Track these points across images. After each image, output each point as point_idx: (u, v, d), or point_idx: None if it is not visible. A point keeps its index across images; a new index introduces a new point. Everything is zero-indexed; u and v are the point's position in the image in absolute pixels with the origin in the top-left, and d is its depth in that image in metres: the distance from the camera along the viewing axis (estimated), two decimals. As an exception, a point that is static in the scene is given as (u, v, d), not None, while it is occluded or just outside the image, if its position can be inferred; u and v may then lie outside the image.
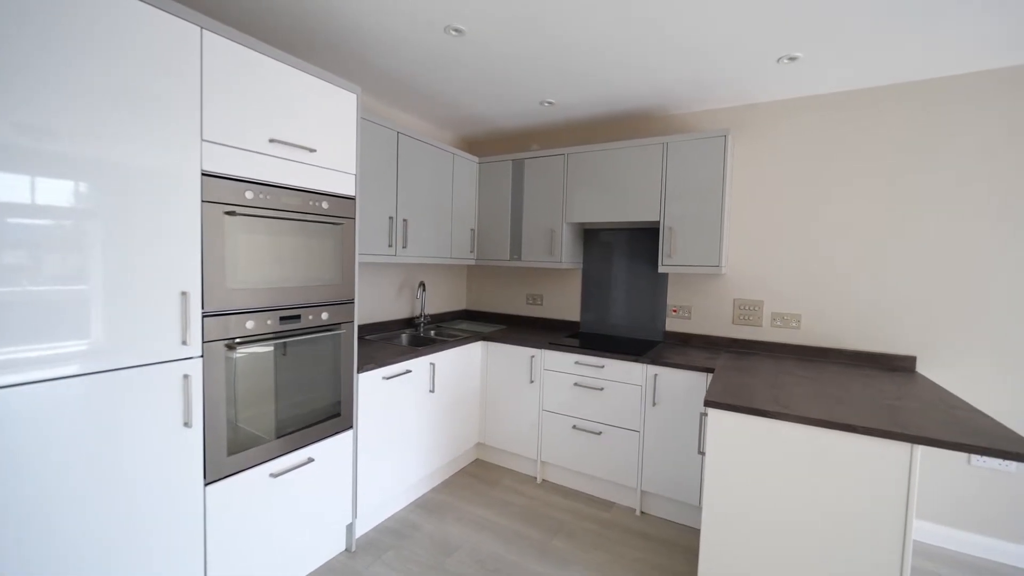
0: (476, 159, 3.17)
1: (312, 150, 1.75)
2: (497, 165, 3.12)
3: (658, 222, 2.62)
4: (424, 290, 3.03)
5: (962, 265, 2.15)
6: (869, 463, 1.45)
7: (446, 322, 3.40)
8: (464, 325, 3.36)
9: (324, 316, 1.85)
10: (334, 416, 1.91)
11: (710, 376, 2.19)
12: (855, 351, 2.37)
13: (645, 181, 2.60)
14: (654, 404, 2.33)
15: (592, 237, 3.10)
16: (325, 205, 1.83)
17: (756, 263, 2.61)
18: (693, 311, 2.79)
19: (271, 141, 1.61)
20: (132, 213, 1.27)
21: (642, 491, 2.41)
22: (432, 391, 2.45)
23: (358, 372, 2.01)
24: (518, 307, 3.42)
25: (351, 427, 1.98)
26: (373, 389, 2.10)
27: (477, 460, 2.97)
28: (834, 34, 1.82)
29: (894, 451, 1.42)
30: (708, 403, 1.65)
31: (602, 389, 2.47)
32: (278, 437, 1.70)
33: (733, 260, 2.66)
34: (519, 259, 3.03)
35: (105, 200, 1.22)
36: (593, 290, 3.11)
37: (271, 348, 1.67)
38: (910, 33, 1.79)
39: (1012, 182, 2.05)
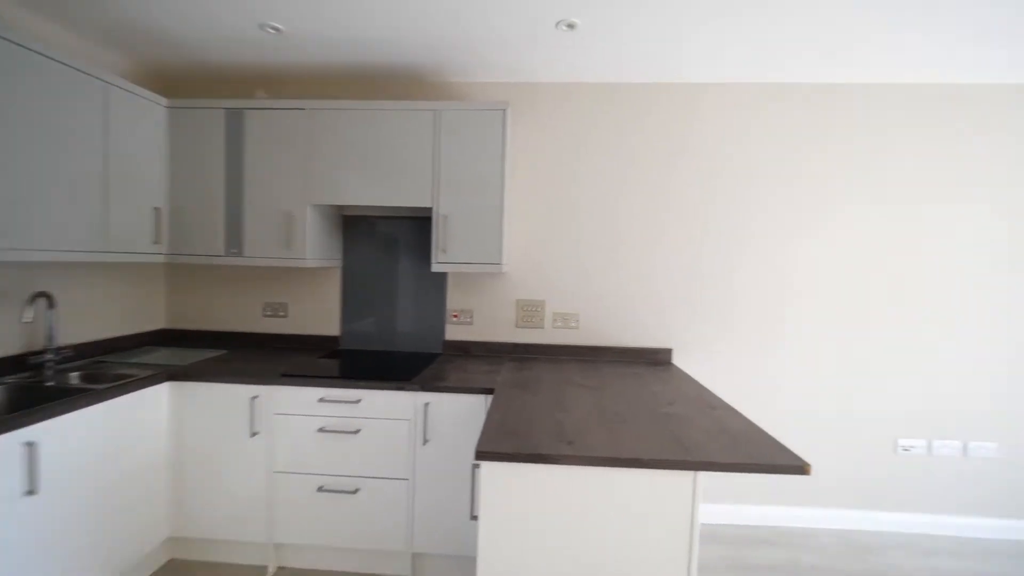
0: (164, 101, 2.08)
1: None
2: (202, 114, 2.10)
3: (431, 209, 2.11)
4: (52, 306, 1.80)
5: (706, 262, 2.31)
6: (656, 495, 1.22)
7: (117, 353, 2.17)
8: (157, 355, 2.21)
9: None
10: None
11: (490, 398, 1.80)
12: (626, 348, 2.35)
13: (415, 157, 2.06)
14: (425, 442, 1.82)
15: (354, 226, 2.41)
16: None
17: (539, 260, 2.37)
18: (475, 315, 2.40)
19: None
20: None
21: (414, 554, 1.87)
22: (32, 492, 1.35)
23: None
24: (252, 322, 2.46)
25: None
26: None
27: (171, 562, 1.93)
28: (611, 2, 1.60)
29: (679, 480, 1.22)
30: (481, 455, 1.19)
31: (358, 431, 1.83)
32: None
33: (517, 257, 2.37)
34: (240, 254, 2.11)
35: None
36: (358, 295, 2.43)
37: None
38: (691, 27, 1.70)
39: (758, 181, 2.27)
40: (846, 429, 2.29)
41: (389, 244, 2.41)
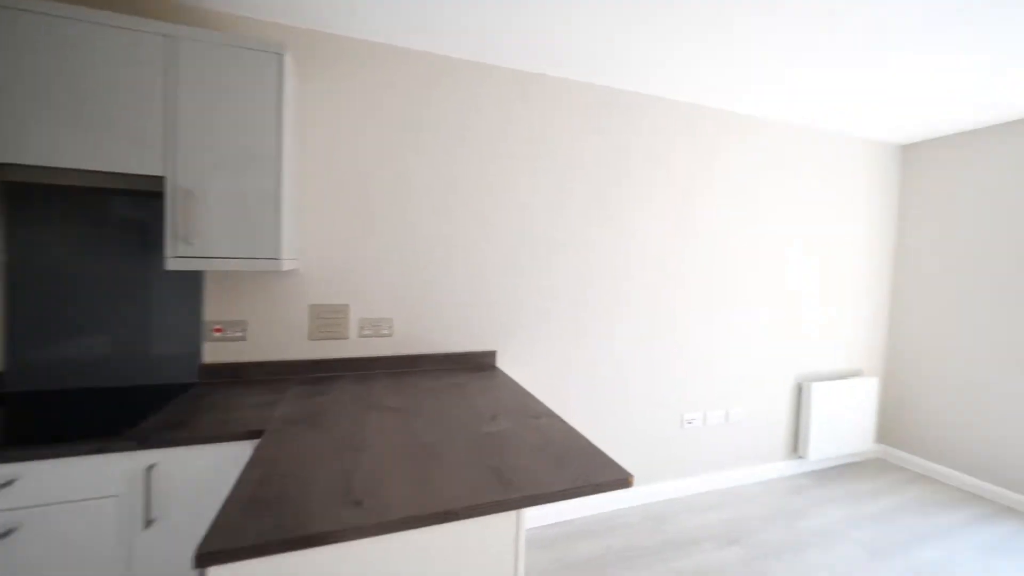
0: None
1: None
2: None
3: (162, 179, 1.47)
4: None
5: (525, 254, 2.21)
6: (475, 544, 0.98)
7: None
8: None
9: None
10: None
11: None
12: (446, 354, 2.09)
13: (135, 100, 1.39)
14: (148, 524, 1.22)
15: (33, 199, 1.56)
16: None
17: (340, 256, 1.93)
18: (250, 328, 1.82)
19: None
20: None
21: None
22: None
23: None
24: None
25: None
26: None
27: None
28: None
29: (501, 521, 1.00)
30: (204, 558, 0.75)
31: (10, 532, 1.11)
32: None
33: (315, 251, 1.88)
34: None
35: None
36: (42, 305, 1.58)
37: None
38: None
39: (573, 176, 2.24)
40: (645, 411, 2.49)
41: (104, 229, 1.63)
